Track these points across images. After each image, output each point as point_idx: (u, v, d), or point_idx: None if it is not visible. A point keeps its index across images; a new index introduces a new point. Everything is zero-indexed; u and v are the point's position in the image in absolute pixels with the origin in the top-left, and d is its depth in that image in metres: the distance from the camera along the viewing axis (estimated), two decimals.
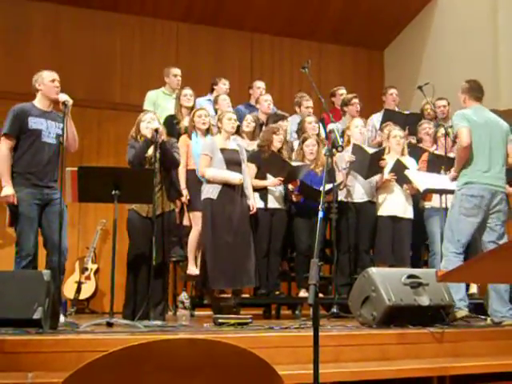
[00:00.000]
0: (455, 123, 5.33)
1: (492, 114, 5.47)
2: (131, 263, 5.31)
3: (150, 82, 8.42)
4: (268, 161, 6.24)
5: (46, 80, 5.27)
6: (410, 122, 7.38)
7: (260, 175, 6.33)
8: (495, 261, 1.74)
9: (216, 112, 7.00)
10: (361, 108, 7.52)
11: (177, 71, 7.47)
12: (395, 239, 6.48)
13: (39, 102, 5.31)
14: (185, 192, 6.35)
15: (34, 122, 5.17)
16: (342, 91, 8.03)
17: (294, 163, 6.33)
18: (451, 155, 6.13)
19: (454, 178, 5.40)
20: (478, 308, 5.82)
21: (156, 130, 5.16)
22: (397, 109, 7.79)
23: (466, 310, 5.09)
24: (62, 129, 5.03)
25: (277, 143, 6.34)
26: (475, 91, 5.43)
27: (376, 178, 6.50)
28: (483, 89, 5.48)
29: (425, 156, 6.61)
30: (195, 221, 6.34)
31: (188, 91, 6.97)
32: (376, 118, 7.67)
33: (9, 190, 5.06)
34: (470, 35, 9.07)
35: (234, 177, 5.96)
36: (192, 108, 6.84)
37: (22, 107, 5.24)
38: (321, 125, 7.14)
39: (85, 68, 8.91)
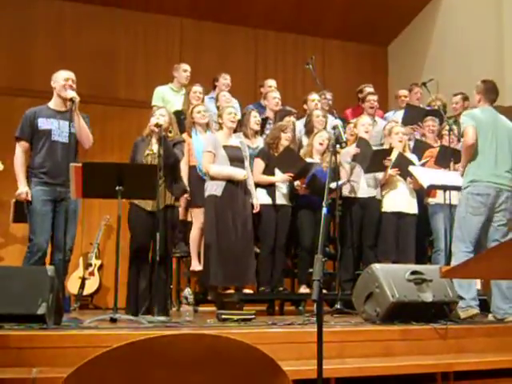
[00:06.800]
0: (462, 122, 5.39)
1: (500, 115, 5.48)
2: (133, 258, 5.33)
3: (154, 78, 8.42)
4: (282, 156, 6.22)
5: (60, 78, 5.36)
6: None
7: (268, 171, 6.32)
8: (498, 258, 1.75)
9: (218, 109, 7.00)
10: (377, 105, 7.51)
11: (187, 67, 7.50)
12: (400, 235, 6.47)
13: (53, 102, 5.44)
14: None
15: (43, 123, 5.31)
16: (368, 89, 7.94)
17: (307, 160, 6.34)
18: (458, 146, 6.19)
19: (462, 174, 5.43)
20: (482, 304, 5.82)
21: (158, 126, 5.18)
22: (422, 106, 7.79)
23: (477, 309, 5.09)
24: (74, 127, 5.12)
25: (284, 141, 6.34)
26: (491, 93, 5.45)
27: (380, 175, 6.50)
28: (498, 90, 5.49)
29: (429, 152, 6.61)
30: (196, 217, 6.35)
31: (198, 88, 6.96)
32: (398, 115, 7.64)
33: (23, 188, 5.25)
34: (475, 31, 9.04)
35: (238, 172, 5.95)
36: None
37: (32, 110, 5.39)
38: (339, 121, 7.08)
39: (89, 64, 8.90)
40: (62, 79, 5.35)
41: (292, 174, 6.20)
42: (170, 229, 5.35)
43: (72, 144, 5.18)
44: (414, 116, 7.23)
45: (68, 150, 5.17)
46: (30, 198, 5.20)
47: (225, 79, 7.62)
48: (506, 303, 5.14)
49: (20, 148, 5.34)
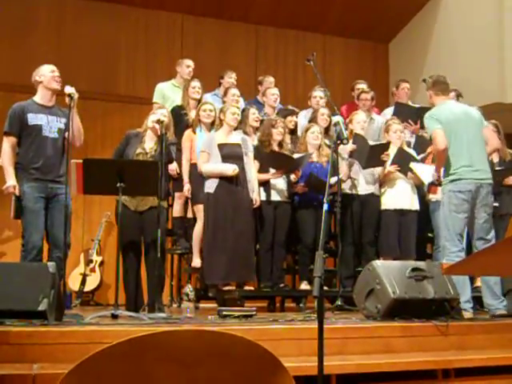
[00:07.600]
0: (427, 127, 5.36)
1: (462, 106, 5.43)
2: (123, 255, 5.34)
3: (154, 74, 8.42)
4: (267, 158, 6.22)
5: (46, 71, 5.31)
6: (421, 115, 7.34)
7: (263, 169, 6.31)
8: (497, 254, 1.75)
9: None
10: (372, 103, 7.47)
11: (190, 62, 7.48)
12: (402, 232, 6.46)
13: (40, 97, 5.35)
14: (187, 186, 6.36)
15: (33, 118, 5.23)
16: (360, 86, 7.90)
17: (294, 155, 6.33)
18: None
19: (438, 180, 5.44)
20: (483, 301, 5.81)
21: (159, 122, 5.17)
22: (410, 102, 7.76)
23: (471, 312, 5.09)
24: (65, 123, 5.06)
25: (276, 136, 6.32)
26: (440, 84, 5.40)
27: (378, 170, 6.49)
28: (448, 82, 5.44)
29: (431, 148, 6.60)
30: (199, 214, 6.34)
31: (196, 83, 6.94)
32: (388, 112, 7.63)
33: (12, 182, 5.15)
34: (476, 28, 9.03)
35: (227, 168, 5.94)
36: (200, 101, 6.81)
37: (21, 105, 5.31)
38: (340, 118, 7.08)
39: (89, 60, 8.90)
40: (49, 71, 5.31)
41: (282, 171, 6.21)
42: (159, 227, 5.31)
43: (61, 140, 5.15)
44: (403, 114, 7.20)
45: (58, 146, 5.16)
46: (17, 193, 5.12)
47: (230, 77, 7.61)
48: (495, 299, 5.15)
49: (8, 143, 5.24)
